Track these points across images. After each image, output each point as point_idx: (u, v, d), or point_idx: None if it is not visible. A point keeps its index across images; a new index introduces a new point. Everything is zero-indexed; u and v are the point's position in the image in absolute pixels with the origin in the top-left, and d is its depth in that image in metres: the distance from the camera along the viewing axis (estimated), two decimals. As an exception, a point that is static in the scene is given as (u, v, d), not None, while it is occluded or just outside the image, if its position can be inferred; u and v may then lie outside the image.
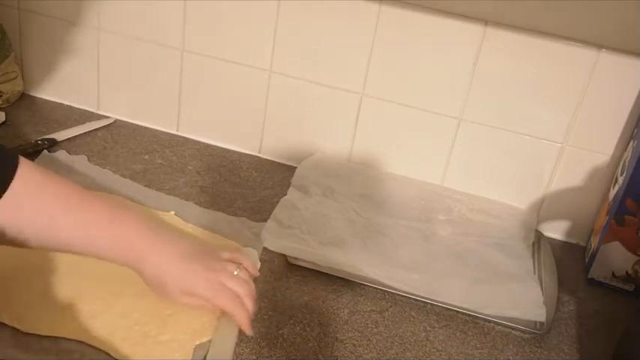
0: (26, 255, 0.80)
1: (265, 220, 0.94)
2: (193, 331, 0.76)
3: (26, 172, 0.67)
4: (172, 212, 0.95)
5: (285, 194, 1.01)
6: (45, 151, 1.03)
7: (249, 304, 0.74)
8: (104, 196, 0.73)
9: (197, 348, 0.75)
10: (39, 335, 0.73)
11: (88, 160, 1.04)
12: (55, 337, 0.73)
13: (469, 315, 0.87)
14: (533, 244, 1.01)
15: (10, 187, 0.65)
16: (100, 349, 0.73)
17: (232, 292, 0.74)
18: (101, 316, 0.76)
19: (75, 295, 0.78)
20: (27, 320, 0.74)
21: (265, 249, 0.91)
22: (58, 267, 0.81)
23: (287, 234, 0.93)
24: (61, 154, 1.03)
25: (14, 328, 0.73)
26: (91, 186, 0.97)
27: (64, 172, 0.99)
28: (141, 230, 0.72)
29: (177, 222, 0.94)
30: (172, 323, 0.77)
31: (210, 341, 0.75)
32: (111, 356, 0.72)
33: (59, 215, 0.68)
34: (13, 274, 0.79)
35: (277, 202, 0.99)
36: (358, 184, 1.06)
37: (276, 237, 0.91)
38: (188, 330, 0.76)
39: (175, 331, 0.76)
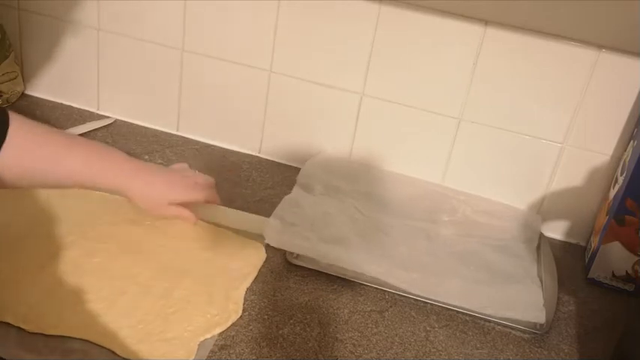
0: (30, 255, 0.82)
1: (265, 220, 0.95)
2: (196, 329, 0.77)
3: (20, 123, 0.75)
4: None
5: (285, 194, 1.01)
6: None
7: (214, 191, 0.92)
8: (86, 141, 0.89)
9: (201, 345, 0.75)
10: (44, 335, 0.73)
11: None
12: (60, 336, 0.74)
13: (469, 315, 0.87)
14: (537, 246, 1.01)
15: (9, 138, 0.72)
16: (105, 348, 0.73)
17: (203, 185, 0.91)
18: (105, 315, 0.77)
19: (78, 294, 0.79)
20: (32, 320, 0.75)
21: (266, 248, 0.91)
22: (61, 266, 0.82)
23: (289, 231, 0.93)
24: None
25: (19, 328, 0.74)
26: None
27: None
28: (123, 161, 0.85)
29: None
30: (176, 321, 0.77)
31: (213, 337, 0.77)
32: (116, 354, 0.73)
33: (63, 156, 0.79)
34: (16, 275, 0.80)
35: (277, 202, 0.99)
36: (362, 183, 1.06)
37: (279, 233, 0.91)
38: (191, 327, 0.77)
39: (179, 328, 0.77)
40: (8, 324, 0.74)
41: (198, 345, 0.75)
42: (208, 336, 0.77)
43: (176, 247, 0.89)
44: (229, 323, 0.79)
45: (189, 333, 0.76)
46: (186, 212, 0.87)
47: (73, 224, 0.89)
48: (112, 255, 0.85)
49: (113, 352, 0.73)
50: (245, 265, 0.88)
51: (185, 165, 0.95)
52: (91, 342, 0.73)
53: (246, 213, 0.95)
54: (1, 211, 0.90)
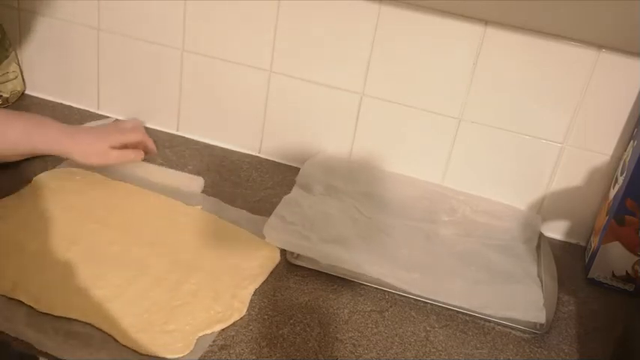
0: (56, 236, 0.86)
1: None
2: (198, 323, 0.78)
3: None
4: (199, 207, 0.97)
5: (285, 194, 1.01)
6: None
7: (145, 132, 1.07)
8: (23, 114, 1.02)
9: (200, 340, 0.76)
10: (52, 315, 0.75)
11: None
12: (68, 318, 0.76)
13: (469, 315, 0.87)
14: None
15: None
16: (107, 334, 0.74)
17: (135, 127, 1.06)
18: (113, 302, 0.78)
19: (91, 280, 0.81)
20: (43, 300, 0.77)
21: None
22: (80, 252, 0.85)
23: (289, 230, 0.93)
24: None
25: (30, 307, 0.76)
26: (122, 176, 1.01)
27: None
28: (59, 127, 0.97)
29: (203, 216, 0.96)
30: (180, 314, 0.79)
31: (213, 333, 0.78)
32: (117, 341, 0.74)
33: (4, 130, 0.92)
34: (36, 256, 0.83)
35: (277, 202, 0.99)
36: (362, 183, 1.06)
37: (279, 232, 0.91)
38: (193, 322, 0.78)
39: (181, 322, 0.78)
40: (20, 302, 0.76)
41: (197, 339, 0.76)
42: (208, 332, 0.77)
43: (193, 242, 0.91)
44: (231, 321, 0.79)
45: (190, 327, 0.77)
46: (130, 153, 1.00)
47: (100, 211, 0.93)
48: (130, 245, 0.88)
49: (115, 339, 0.74)
50: (257, 265, 0.88)
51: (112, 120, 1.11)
52: (95, 327, 0.75)
53: (178, 172, 1.04)
54: (44, 187, 0.95)
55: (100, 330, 0.75)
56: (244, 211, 0.98)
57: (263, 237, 0.91)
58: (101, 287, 0.80)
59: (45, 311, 0.76)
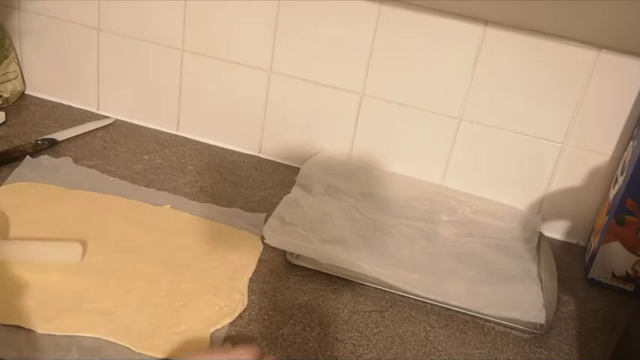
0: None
1: (264, 219, 0.95)
2: (206, 320, 0.78)
3: None
4: (168, 206, 0.96)
5: (285, 194, 1.01)
6: (28, 156, 1.01)
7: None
8: None
9: (213, 335, 0.77)
10: (55, 335, 0.73)
11: (74, 161, 1.03)
12: (70, 335, 0.74)
13: (469, 315, 0.87)
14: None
15: None
16: (119, 344, 0.74)
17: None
18: (115, 312, 0.77)
19: (85, 294, 0.79)
20: (42, 321, 0.74)
21: (265, 249, 0.91)
22: (61, 267, 0.82)
23: (289, 231, 0.93)
24: (43, 159, 1.01)
25: (29, 330, 0.73)
26: (75, 185, 0.97)
27: (49, 174, 0.98)
28: None
29: (175, 214, 0.95)
30: (186, 313, 0.79)
31: (223, 327, 0.78)
32: (131, 350, 0.73)
33: None
34: (16, 277, 0.80)
35: (277, 202, 0.99)
36: (362, 183, 1.06)
37: (278, 233, 0.91)
38: (202, 319, 0.78)
39: (190, 321, 0.78)
40: (18, 327, 0.74)
41: (211, 335, 0.77)
42: (219, 326, 0.78)
43: (174, 242, 0.90)
44: (237, 313, 0.80)
45: (200, 325, 0.78)
46: None
47: (68, 223, 0.90)
48: (111, 253, 0.86)
49: (127, 348, 0.73)
50: (244, 256, 0.89)
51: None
52: (102, 339, 0.74)
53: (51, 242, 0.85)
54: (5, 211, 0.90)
55: (110, 342, 0.73)
56: (213, 205, 0.98)
57: (239, 228, 0.92)
58: (96, 300, 0.78)
59: (46, 332, 0.73)
